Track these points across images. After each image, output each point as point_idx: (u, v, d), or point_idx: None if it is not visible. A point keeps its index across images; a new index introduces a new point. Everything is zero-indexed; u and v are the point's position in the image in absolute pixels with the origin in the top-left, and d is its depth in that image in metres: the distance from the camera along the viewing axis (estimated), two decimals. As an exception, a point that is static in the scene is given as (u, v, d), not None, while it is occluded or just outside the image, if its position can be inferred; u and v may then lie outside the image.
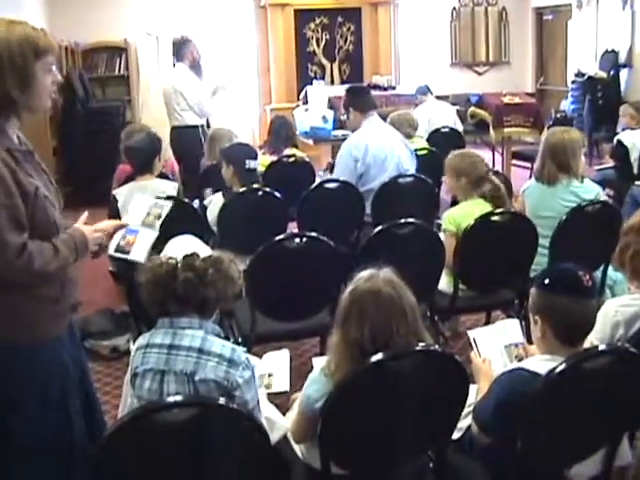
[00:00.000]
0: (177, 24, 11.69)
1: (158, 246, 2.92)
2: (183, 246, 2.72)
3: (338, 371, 2.56)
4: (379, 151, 5.60)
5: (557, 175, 4.69)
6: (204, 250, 2.72)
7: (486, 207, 4.49)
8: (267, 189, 5.12)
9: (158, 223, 3.16)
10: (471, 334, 3.27)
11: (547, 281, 2.72)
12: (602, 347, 2.67)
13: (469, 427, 2.84)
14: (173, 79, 8.11)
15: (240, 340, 4.06)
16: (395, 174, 5.55)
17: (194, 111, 7.93)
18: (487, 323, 5.14)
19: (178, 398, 2.38)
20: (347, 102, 5.99)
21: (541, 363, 2.65)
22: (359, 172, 5.56)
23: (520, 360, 3.05)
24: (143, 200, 3.29)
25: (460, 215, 4.51)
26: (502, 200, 4.55)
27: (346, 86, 7.57)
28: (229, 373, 2.56)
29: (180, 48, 8.25)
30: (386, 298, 2.53)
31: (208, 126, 8.15)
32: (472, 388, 2.83)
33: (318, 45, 13.08)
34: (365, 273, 2.63)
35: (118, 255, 3.04)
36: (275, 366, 3.35)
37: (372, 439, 2.58)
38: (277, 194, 5.03)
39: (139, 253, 3.02)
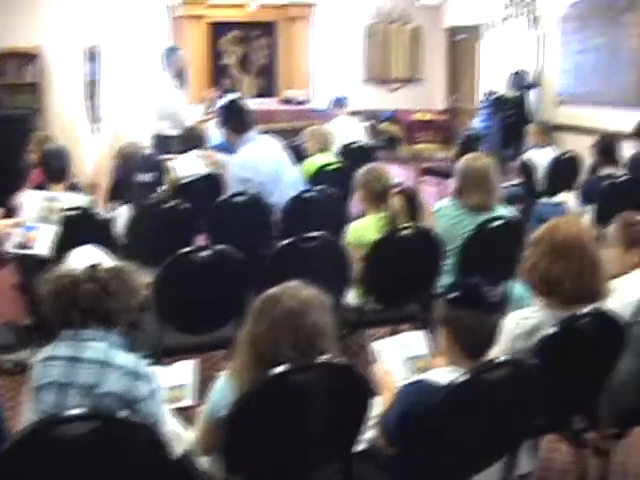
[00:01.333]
0: (90, 32, 11.56)
1: (61, 257, 2.88)
2: (85, 257, 2.69)
3: (244, 371, 2.58)
4: (269, 167, 5.59)
5: (479, 205, 4.75)
6: (106, 261, 2.70)
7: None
8: (176, 201, 5.11)
9: (56, 217, 3.10)
10: (375, 346, 3.31)
11: (453, 295, 2.78)
12: (502, 359, 2.73)
13: (375, 439, 2.87)
14: (153, 89, 8.20)
15: (147, 353, 4.02)
16: (291, 181, 5.62)
17: (170, 121, 7.90)
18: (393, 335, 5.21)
19: (78, 411, 2.35)
20: (221, 121, 5.92)
21: (443, 374, 2.70)
22: (252, 191, 5.47)
23: (423, 372, 3.10)
24: (36, 196, 3.23)
25: (362, 228, 4.60)
26: (397, 219, 4.61)
27: (259, 100, 7.63)
28: (133, 386, 2.54)
29: (166, 57, 8.31)
30: (281, 310, 2.55)
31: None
32: (376, 400, 2.87)
33: (232, 58, 13.09)
34: (291, 283, 2.66)
35: (20, 251, 2.98)
36: (181, 378, 3.32)
37: (277, 450, 2.59)
38: (186, 206, 5.02)
39: (42, 247, 2.97)
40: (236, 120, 5.83)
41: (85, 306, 2.57)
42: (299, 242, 4.20)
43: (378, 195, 4.67)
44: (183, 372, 3.36)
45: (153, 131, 8.03)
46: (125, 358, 2.58)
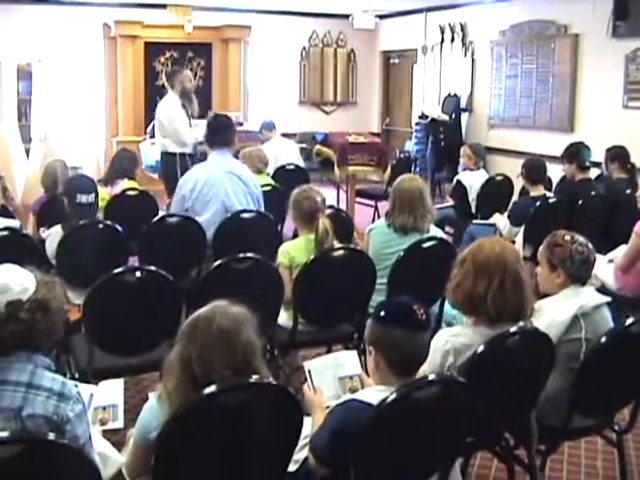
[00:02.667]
0: (23, 50, 11.44)
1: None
2: (6, 276, 2.59)
3: (174, 391, 2.55)
4: (207, 189, 5.61)
5: (407, 226, 4.83)
6: (28, 280, 2.59)
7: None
8: (108, 222, 5.06)
9: None
10: (306, 365, 3.31)
11: (382, 313, 2.78)
12: (431, 377, 2.72)
13: (306, 459, 2.86)
14: (158, 107, 8.34)
15: (77, 376, 3.96)
16: (220, 211, 5.59)
17: (172, 139, 7.99)
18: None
19: (3, 434, 2.30)
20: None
21: (374, 394, 2.70)
22: (186, 207, 5.58)
23: (355, 391, 3.11)
24: None
25: (294, 249, 4.61)
26: (325, 239, 4.60)
27: (194, 121, 7.69)
28: (59, 407, 2.49)
29: (171, 77, 8.53)
30: (216, 329, 2.54)
31: (196, 155, 8.19)
32: (307, 420, 2.87)
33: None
34: (219, 302, 2.65)
35: None
36: (110, 399, 3.25)
37: (207, 472, 2.57)
38: (118, 227, 4.98)
39: None
40: (213, 133, 5.98)
41: (9, 344, 2.50)
42: (231, 263, 4.18)
43: (307, 215, 4.69)
44: (112, 392, 3.29)
45: (160, 149, 8.27)
46: (51, 379, 2.53)
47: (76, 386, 2.62)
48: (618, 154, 7.30)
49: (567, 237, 3.67)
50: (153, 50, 12.83)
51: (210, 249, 5.35)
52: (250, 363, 2.57)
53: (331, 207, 5.92)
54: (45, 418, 2.46)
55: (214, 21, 13.03)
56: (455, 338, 3.18)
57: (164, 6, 12.57)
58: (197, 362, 2.53)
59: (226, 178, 5.70)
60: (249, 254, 4.21)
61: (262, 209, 5.84)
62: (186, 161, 7.82)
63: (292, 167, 8.43)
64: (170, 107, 8.13)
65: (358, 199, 10.04)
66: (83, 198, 5.05)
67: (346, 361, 3.34)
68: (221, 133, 5.96)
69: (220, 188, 5.63)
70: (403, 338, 2.70)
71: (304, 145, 10.60)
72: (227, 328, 2.55)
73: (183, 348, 2.58)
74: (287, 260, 4.53)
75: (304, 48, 14.59)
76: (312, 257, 4.39)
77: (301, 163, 9.11)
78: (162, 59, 12.99)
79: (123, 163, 6.90)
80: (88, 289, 3.92)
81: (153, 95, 12.78)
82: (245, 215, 5.50)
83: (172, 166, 7.84)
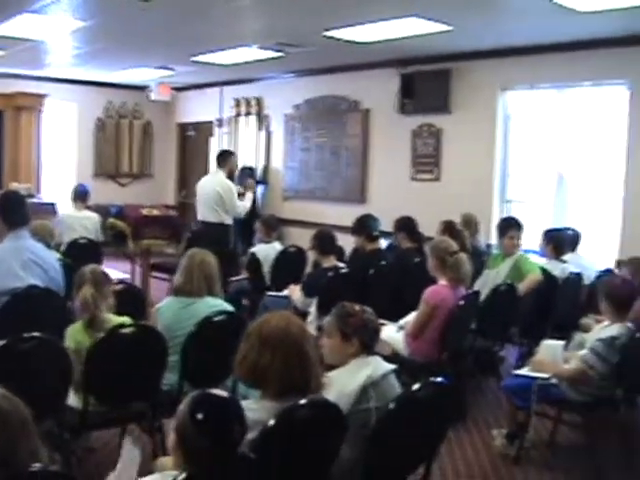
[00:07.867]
0: None
1: None
2: None
3: None
4: (3, 280, 5.20)
5: (202, 289, 4.88)
6: None
7: None
8: None
9: None
10: None
11: (200, 416, 2.62)
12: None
13: None
14: (216, 183, 9.29)
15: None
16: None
17: (229, 213, 9.24)
18: (122, 436, 5.07)
19: None
20: None
21: (165, 478, 2.65)
22: None
23: None
24: None
25: (77, 331, 4.46)
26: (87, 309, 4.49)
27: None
28: None
29: (224, 157, 9.58)
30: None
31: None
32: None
33: (-47, 149, 12.59)
34: None
35: None
36: None
37: None
38: None
39: None
40: (10, 212, 5.40)
41: None
42: (16, 342, 3.99)
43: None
44: None
45: (213, 220, 9.24)
46: None
47: None
48: (405, 224, 7.64)
49: (357, 307, 3.76)
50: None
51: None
52: (31, 443, 2.36)
53: (122, 282, 5.82)
54: None
55: (6, 88, 12.69)
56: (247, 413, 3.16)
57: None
58: None
59: (23, 268, 5.30)
60: (34, 333, 4.01)
61: (62, 293, 5.52)
62: (233, 230, 9.48)
63: (85, 241, 8.24)
64: (228, 184, 9.30)
65: (153, 273, 9.94)
66: None
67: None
68: (17, 211, 5.44)
69: (17, 279, 5.23)
70: (210, 451, 2.59)
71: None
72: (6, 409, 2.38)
73: None
74: (74, 344, 4.36)
75: (99, 119, 14.43)
76: (101, 336, 4.28)
77: (100, 237, 8.95)
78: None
79: None
80: None
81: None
82: (33, 291, 5.24)
83: (227, 236, 9.22)
